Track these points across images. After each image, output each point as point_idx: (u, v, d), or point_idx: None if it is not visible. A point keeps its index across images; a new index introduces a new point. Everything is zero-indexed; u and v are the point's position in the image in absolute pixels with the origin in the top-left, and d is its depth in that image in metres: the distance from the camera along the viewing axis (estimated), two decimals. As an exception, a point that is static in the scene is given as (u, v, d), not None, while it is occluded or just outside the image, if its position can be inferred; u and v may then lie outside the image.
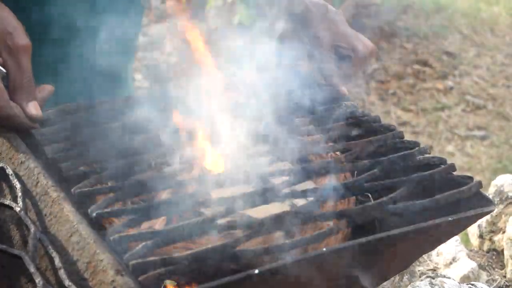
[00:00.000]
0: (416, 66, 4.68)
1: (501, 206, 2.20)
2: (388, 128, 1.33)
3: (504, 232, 2.11)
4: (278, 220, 1.04)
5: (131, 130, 1.29)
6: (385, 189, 1.14)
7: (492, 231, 2.20)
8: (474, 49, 4.97)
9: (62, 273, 0.95)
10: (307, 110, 1.39)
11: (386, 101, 4.34)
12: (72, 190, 1.10)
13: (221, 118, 1.34)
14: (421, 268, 1.98)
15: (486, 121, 4.17)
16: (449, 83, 4.54)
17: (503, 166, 3.65)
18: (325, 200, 1.11)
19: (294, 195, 1.12)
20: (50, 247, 1.00)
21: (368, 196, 1.20)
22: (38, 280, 0.92)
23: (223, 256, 0.98)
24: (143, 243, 0.99)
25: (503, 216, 2.19)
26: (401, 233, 1.03)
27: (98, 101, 1.48)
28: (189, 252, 0.97)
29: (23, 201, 1.09)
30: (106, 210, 1.07)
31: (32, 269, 0.95)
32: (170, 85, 1.49)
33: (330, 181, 1.19)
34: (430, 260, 2.03)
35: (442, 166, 1.20)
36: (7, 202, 1.09)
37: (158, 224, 1.10)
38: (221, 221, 1.05)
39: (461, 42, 5.05)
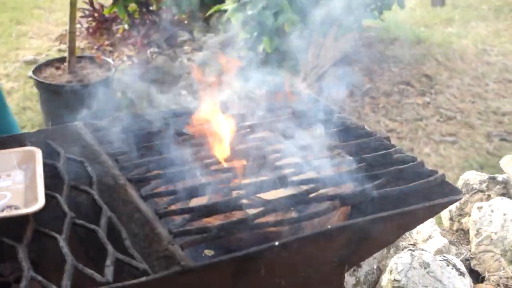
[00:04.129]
0: (401, 86, 4.66)
1: (467, 196, 2.20)
2: (371, 134, 1.33)
3: (469, 215, 2.10)
4: (287, 201, 1.05)
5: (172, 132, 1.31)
6: (369, 179, 1.14)
7: (460, 215, 2.19)
8: (446, 73, 4.93)
9: (127, 243, 0.96)
10: (308, 120, 1.39)
11: (377, 113, 4.32)
12: (127, 176, 1.11)
13: (243, 126, 1.35)
14: (404, 243, 1.97)
15: (455, 129, 4.15)
16: (427, 99, 4.51)
17: (469, 165, 3.63)
18: (324, 187, 1.12)
19: (300, 182, 1.13)
20: (117, 223, 1.01)
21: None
22: (109, 248, 0.93)
23: (244, 226, 0.99)
24: (183, 216, 1.00)
25: (469, 203, 2.18)
26: (390, 215, 1.03)
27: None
28: (218, 223, 0.98)
29: (97, 187, 1.11)
30: (154, 191, 1.08)
31: (104, 239, 0.96)
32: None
33: (328, 172, 1.20)
34: (411, 237, 2.03)
35: (414, 162, 1.20)
36: (85, 188, 1.11)
37: (197, 201, 1.11)
38: (244, 201, 1.06)
39: (436, 67, 5.02)
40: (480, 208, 2.04)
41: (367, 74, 4.71)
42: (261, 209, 1.03)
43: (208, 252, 1.13)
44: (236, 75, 1.38)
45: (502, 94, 4.58)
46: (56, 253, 0.94)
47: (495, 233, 1.95)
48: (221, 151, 1.25)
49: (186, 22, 5.01)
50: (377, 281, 1.81)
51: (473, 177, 2.26)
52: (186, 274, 0.88)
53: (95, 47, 4.94)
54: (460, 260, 1.87)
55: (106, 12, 5.00)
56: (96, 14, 5.02)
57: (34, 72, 3.96)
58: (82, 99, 3.84)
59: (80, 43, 4.95)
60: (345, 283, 1.62)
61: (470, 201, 2.19)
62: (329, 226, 1.02)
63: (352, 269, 1.77)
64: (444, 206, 1.15)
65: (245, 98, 1.45)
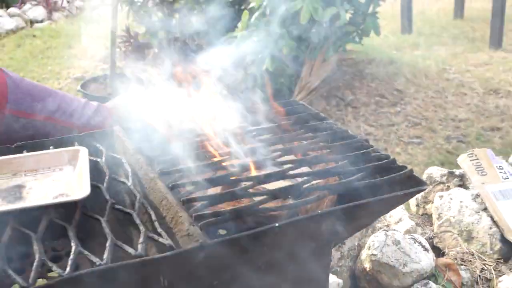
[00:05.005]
0: (377, 98, 4.65)
1: (431, 186, 2.19)
2: (354, 136, 1.32)
3: (432, 202, 2.09)
4: (285, 190, 1.05)
5: (195, 132, 1.29)
6: (353, 173, 1.13)
7: (425, 202, 2.18)
8: (414, 87, 4.92)
9: (156, 224, 0.95)
10: (304, 124, 1.39)
11: (358, 119, 4.31)
12: (157, 170, 1.11)
13: (251, 130, 1.33)
14: (379, 224, 1.97)
15: (421, 133, 4.14)
16: (398, 108, 4.50)
17: (432, 161, 3.62)
18: (315, 179, 1.11)
19: (295, 175, 1.12)
20: (148, 207, 1.01)
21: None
22: (141, 228, 0.93)
23: (251, 211, 0.99)
24: (201, 203, 0.99)
25: (432, 192, 2.18)
26: (369, 202, 1.03)
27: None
28: (229, 208, 0.98)
29: (132, 179, 1.11)
30: (178, 182, 1.08)
31: (137, 221, 0.95)
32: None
33: (319, 167, 1.19)
34: (385, 220, 2.02)
35: (388, 159, 1.19)
36: (122, 179, 1.11)
37: (213, 191, 1.10)
38: (251, 190, 1.05)
39: (405, 83, 5.01)
40: (441, 196, 2.03)
41: (349, 88, 4.70)
42: (264, 197, 1.03)
43: (221, 232, 1.13)
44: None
45: (458, 104, 4.57)
46: (99, 232, 0.94)
47: (453, 217, 1.94)
48: (233, 150, 1.24)
49: (203, 46, 5.01)
50: (357, 255, 1.80)
51: (435, 172, 2.25)
52: (203, 249, 0.87)
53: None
54: (425, 238, 1.87)
55: (140, 39, 5.01)
56: (132, 40, 5.04)
57: (82, 86, 3.98)
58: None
59: (119, 63, 4.96)
60: (332, 257, 1.62)
61: (433, 191, 2.18)
62: (319, 211, 1.02)
63: (337, 246, 1.77)
64: (412, 195, 1.14)
65: (254, 107, 1.43)
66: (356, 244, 1.82)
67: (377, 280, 1.69)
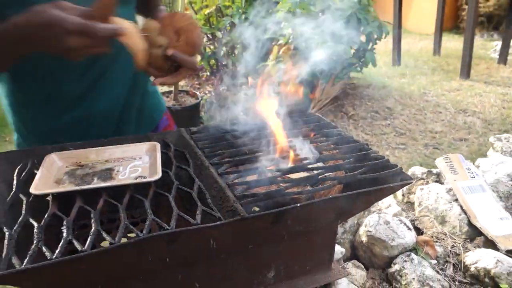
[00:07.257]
0: (372, 113, 4.57)
1: (414, 181, 2.14)
2: (357, 141, 1.29)
3: (415, 193, 2.04)
4: (305, 180, 1.03)
5: (237, 135, 1.28)
6: (356, 168, 1.11)
7: (409, 193, 2.13)
8: (400, 106, 4.82)
9: (209, 201, 0.95)
10: (319, 130, 1.36)
11: (357, 129, 4.24)
12: (210, 161, 1.11)
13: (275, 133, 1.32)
14: (373, 208, 1.93)
15: (405, 141, 4.05)
16: (388, 122, 4.42)
17: (413, 163, 3.54)
18: (328, 172, 1.09)
19: (313, 168, 1.10)
20: (203, 188, 1.01)
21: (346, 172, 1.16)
22: (198, 203, 0.93)
23: (279, 194, 0.97)
24: (242, 186, 0.99)
25: (414, 186, 2.12)
26: (368, 190, 1.01)
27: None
28: (263, 191, 0.97)
29: (192, 167, 1.11)
30: (226, 170, 1.07)
31: (195, 198, 0.95)
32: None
33: (331, 163, 1.17)
34: (378, 205, 1.98)
35: (383, 159, 1.16)
36: (184, 167, 1.11)
37: (251, 178, 1.09)
38: (279, 179, 1.04)
39: (394, 102, 4.92)
40: (421, 189, 1.98)
41: (351, 105, 4.64)
42: (289, 184, 1.01)
43: (256, 208, 1.12)
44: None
45: (435, 120, 4.46)
46: (167, 206, 0.94)
47: (431, 205, 1.89)
48: (266, 147, 1.23)
49: (244, 71, 5.03)
50: (356, 231, 1.77)
51: (418, 170, 2.20)
52: (243, 221, 0.87)
53: (189, 85, 5.00)
54: (409, 220, 1.82)
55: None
56: (190, 66, 5.09)
57: (154, 99, 4.03)
58: (182, 116, 3.89)
59: (180, 83, 5.02)
60: (337, 231, 1.60)
61: (415, 184, 2.13)
62: (330, 196, 1.00)
63: (342, 223, 1.74)
64: (401, 187, 1.11)
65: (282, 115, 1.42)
66: (355, 223, 1.79)
67: (371, 251, 1.65)
